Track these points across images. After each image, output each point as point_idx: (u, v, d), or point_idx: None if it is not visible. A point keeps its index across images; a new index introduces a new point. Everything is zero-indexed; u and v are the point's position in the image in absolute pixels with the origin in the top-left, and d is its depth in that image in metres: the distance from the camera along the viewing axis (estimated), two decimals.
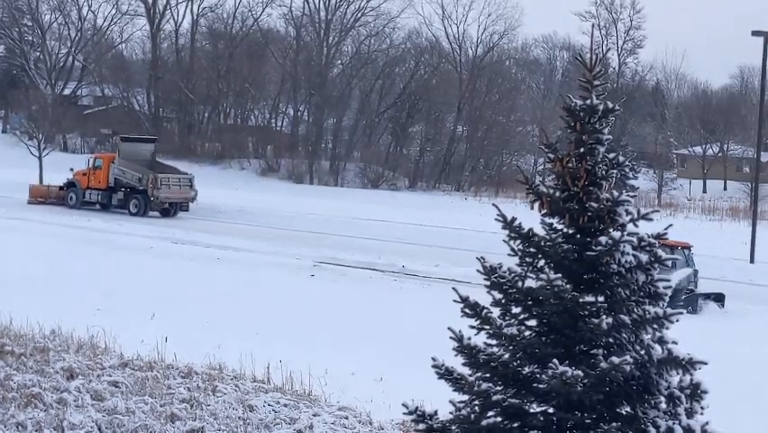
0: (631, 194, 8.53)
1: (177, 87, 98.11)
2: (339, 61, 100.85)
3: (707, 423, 8.17)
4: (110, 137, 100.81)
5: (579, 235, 8.50)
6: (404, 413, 8.90)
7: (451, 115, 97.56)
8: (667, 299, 8.43)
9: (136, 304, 23.96)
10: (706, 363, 8.10)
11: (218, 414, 13.26)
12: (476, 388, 8.48)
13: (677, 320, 8.23)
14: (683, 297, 31.13)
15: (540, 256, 8.52)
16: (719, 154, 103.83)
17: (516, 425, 8.39)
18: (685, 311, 30.00)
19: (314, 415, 13.56)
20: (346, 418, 13.67)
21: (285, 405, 13.95)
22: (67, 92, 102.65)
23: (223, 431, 12.65)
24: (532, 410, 8.41)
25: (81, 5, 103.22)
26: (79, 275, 29.09)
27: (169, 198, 53.88)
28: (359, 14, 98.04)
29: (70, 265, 31.31)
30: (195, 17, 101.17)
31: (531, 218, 8.78)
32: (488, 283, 8.57)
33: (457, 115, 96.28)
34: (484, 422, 8.36)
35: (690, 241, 34.19)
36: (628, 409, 8.29)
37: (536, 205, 8.63)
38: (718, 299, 32.26)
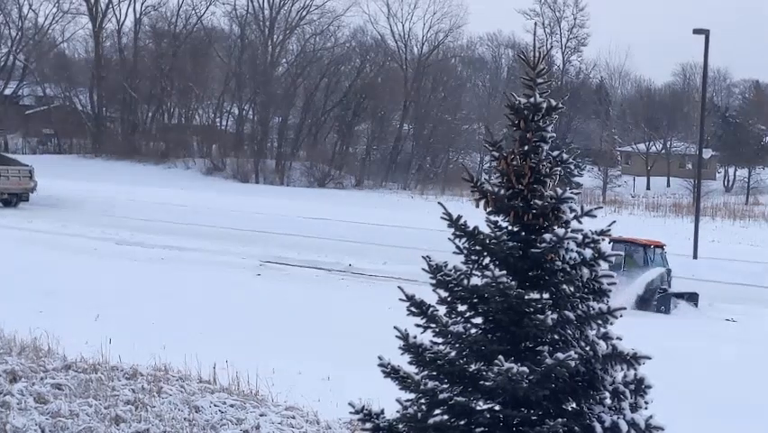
0: (575, 191, 8.58)
1: (120, 87, 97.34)
2: (284, 60, 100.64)
3: (651, 417, 8.24)
4: (52, 137, 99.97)
5: (523, 233, 8.53)
6: (350, 412, 8.89)
7: (397, 114, 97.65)
8: (611, 294, 8.46)
9: (79, 305, 23.73)
10: (650, 358, 8.17)
11: (164, 415, 13.16)
12: (422, 386, 8.48)
13: (621, 315, 8.28)
14: (657, 296, 31.17)
15: (485, 254, 8.54)
16: (663, 151, 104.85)
17: (462, 423, 8.39)
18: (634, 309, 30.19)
19: (260, 415, 13.51)
20: (293, 417, 13.63)
21: (231, 405, 13.88)
22: (8, 92, 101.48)
23: None
24: (478, 408, 8.42)
25: (22, 4, 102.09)
26: (21, 276, 28.74)
27: (7, 189, 55.71)
28: (303, 12, 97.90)
29: (11, 266, 30.92)
30: (137, 16, 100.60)
31: (477, 216, 8.79)
32: (433, 281, 8.58)
33: (403, 113, 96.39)
34: (431, 420, 8.36)
35: (659, 239, 34.49)
36: (574, 404, 8.34)
37: (481, 203, 8.64)
38: (692, 298, 32.14)
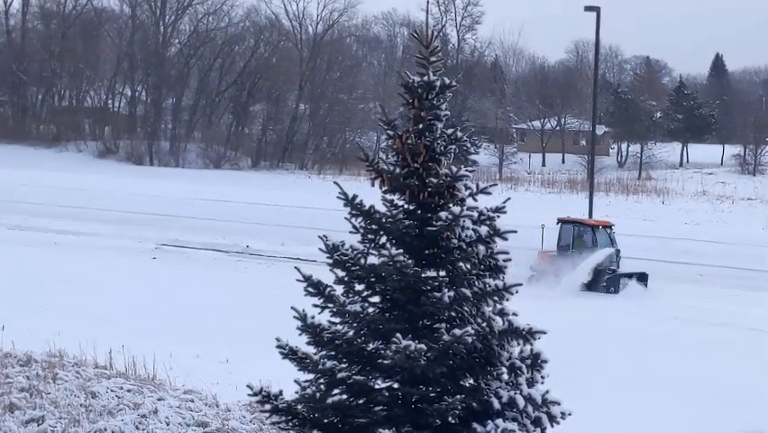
0: (470, 169, 8.64)
1: (8, 69, 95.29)
2: (176, 40, 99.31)
3: (547, 391, 8.35)
4: None
5: (419, 211, 8.56)
6: (249, 395, 8.84)
7: (292, 94, 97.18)
8: (507, 271, 8.52)
9: None
10: (545, 333, 8.27)
11: (59, 402, 12.95)
12: (321, 366, 8.48)
13: (516, 292, 8.37)
14: (606, 277, 30.98)
15: (382, 233, 8.55)
16: (557, 128, 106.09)
17: (361, 401, 8.41)
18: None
19: (158, 399, 13.36)
20: (192, 401, 13.52)
21: (128, 390, 13.70)
22: None
23: (64, 419, 12.34)
24: (377, 386, 8.45)
25: None
26: None
27: None
28: None
29: None
30: None
31: (375, 196, 8.79)
32: (330, 261, 8.57)
33: (299, 93, 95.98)
34: (329, 400, 8.36)
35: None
36: (471, 381, 8.41)
37: (377, 182, 8.65)
38: (642, 278, 31.91)
